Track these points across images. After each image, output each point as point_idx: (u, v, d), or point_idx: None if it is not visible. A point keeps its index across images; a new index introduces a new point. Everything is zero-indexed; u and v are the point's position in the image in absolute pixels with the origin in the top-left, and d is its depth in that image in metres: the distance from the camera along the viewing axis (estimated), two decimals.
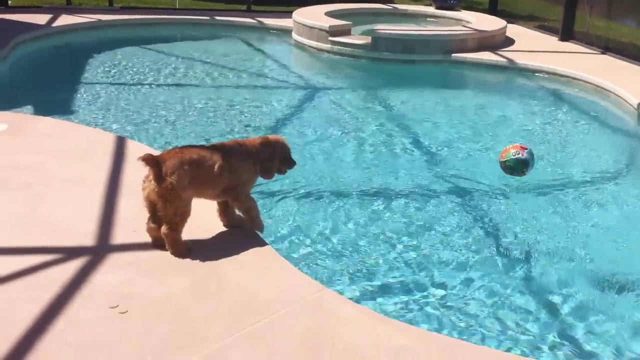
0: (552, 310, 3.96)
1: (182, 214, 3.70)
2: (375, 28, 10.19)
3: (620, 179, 5.98)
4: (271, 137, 4.10)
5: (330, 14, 11.10)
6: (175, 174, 3.62)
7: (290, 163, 4.13)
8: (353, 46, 9.97)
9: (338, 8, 11.78)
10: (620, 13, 16.89)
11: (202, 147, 3.92)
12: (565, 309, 3.97)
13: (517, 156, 4.62)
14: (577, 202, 5.46)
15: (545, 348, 3.60)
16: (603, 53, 10.15)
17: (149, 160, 3.61)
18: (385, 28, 10.40)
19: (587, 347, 3.62)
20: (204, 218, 4.06)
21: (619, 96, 7.95)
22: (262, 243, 3.97)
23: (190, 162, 3.69)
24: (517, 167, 4.65)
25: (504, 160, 4.70)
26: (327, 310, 3.37)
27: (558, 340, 3.68)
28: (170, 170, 3.62)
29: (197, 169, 3.71)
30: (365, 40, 9.97)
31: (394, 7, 13.06)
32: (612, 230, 4.97)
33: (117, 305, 3.28)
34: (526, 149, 4.66)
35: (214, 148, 3.90)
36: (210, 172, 3.76)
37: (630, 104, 7.61)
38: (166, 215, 3.66)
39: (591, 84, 8.58)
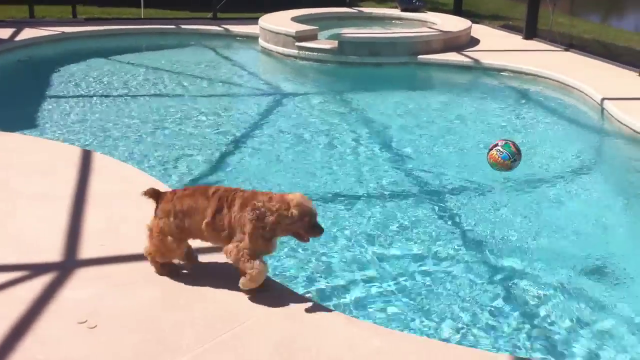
0: (524, 306, 3.99)
1: (163, 253, 3.58)
2: (341, 32, 10.23)
3: (585, 173, 6.09)
4: (291, 198, 3.40)
5: (296, 20, 11.11)
6: (162, 220, 3.52)
7: (316, 230, 3.45)
8: (320, 51, 9.99)
9: (304, 13, 11.80)
10: (583, 9, 17.16)
11: (205, 192, 3.53)
12: (537, 305, 4.01)
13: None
14: (543, 195, 5.55)
15: (519, 344, 3.63)
16: (567, 50, 10.30)
17: (149, 193, 3.58)
18: (352, 32, 10.45)
19: (561, 345, 3.66)
20: None
21: (583, 92, 8.08)
22: None
23: (180, 213, 3.48)
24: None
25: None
26: (300, 317, 3.37)
27: (532, 335, 3.71)
28: (160, 214, 3.54)
29: (184, 220, 3.49)
30: (332, 44, 10.00)
31: (359, 11, 13.13)
32: (579, 221, 5.07)
33: (86, 321, 3.25)
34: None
35: (217, 198, 3.47)
36: (198, 227, 3.47)
37: (594, 100, 7.73)
38: (150, 245, 3.61)
39: (555, 81, 8.70)
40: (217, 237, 3.49)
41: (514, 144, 5.36)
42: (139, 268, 3.70)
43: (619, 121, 7.00)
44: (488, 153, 5.40)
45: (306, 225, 3.38)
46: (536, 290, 4.14)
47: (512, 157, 5.30)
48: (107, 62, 9.87)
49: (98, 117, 7.25)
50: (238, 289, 3.48)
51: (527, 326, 3.80)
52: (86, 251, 3.88)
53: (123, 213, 4.33)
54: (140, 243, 3.71)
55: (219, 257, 3.79)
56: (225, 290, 3.53)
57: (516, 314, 3.91)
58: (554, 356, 3.54)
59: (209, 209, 3.45)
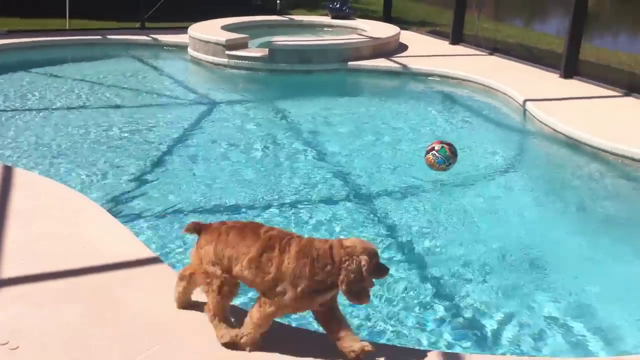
0: (451, 301, 4.08)
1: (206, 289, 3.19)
2: (271, 40, 10.24)
3: (509, 171, 6.30)
4: (350, 244, 2.97)
5: (226, 28, 11.06)
6: (203, 249, 3.18)
7: (382, 271, 3.03)
8: (250, 59, 9.97)
9: (234, 22, 11.75)
10: (507, 14, 17.70)
11: (256, 228, 3.16)
12: (464, 297, 4.11)
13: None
14: (471, 194, 5.70)
15: (447, 338, 3.71)
16: (491, 54, 10.58)
17: (190, 228, 3.28)
18: (282, 39, 10.48)
19: (489, 337, 3.76)
20: (95, 242, 3.95)
21: (507, 95, 8.31)
22: (158, 263, 3.91)
23: (223, 242, 3.13)
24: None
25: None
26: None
27: (458, 328, 3.80)
28: (202, 244, 3.20)
29: (225, 250, 3.12)
30: (262, 52, 10.00)
31: (290, 19, 13.18)
32: (506, 217, 5.28)
33: (7, 342, 3.14)
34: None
35: (269, 237, 3.09)
36: (238, 260, 3.10)
37: (517, 102, 7.97)
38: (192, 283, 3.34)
39: (481, 84, 8.92)
40: (255, 277, 3.05)
41: (449, 147, 5.58)
42: (61, 286, 3.61)
43: (540, 121, 7.24)
44: (425, 155, 5.63)
45: (373, 269, 2.95)
46: (465, 285, 4.25)
47: (447, 162, 5.57)
48: (31, 74, 9.59)
49: (20, 131, 7.04)
50: (165, 301, 3.44)
51: (453, 319, 3.90)
52: (6, 270, 3.76)
53: (44, 229, 4.21)
54: (62, 260, 3.62)
55: (144, 268, 3.74)
56: (152, 303, 3.48)
57: (443, 309, 4.00)
58: (481, 347, 3.63)
59: (257, 245, 3.06)
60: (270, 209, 5.34)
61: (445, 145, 5.57)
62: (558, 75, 8.98)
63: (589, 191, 6.02)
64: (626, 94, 8.09)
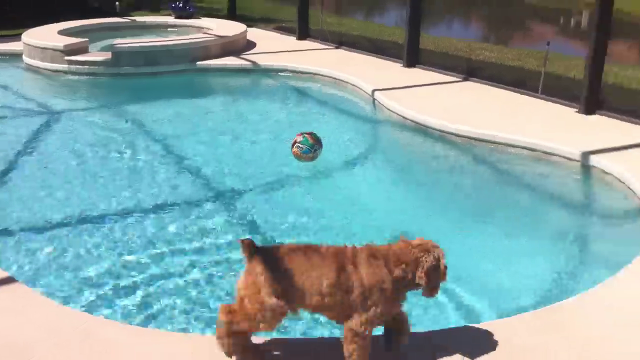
0: None
1: (253, 319, 2.89)
2: (114, 43, 9.85)
3: (362, 159, 6.45)
4: (421, 242, 2.98)
5: (64, 32, 10.49)
6: (262, 277, 2.87)
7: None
8: (92, 64, 9.52)
9: (72, 25, 11.17)
10: (348, 8, 18.17)
11: (316, 249, 2.95)
12: None
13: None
14: (330, 182, 5.81)
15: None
16: (337, 47, 10.82)
17: (246, 245, 2.92)
18: (125, 42, 10.11)
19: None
20: None
21: (356, 85, 8.53)
22: (14, 282, 3.65)
23: (289, 271, 2.88)
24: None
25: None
26: (97, 338, 3.22)
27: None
28: (260, 271, 2.88)
29: (293, 280, 2.87)
30: (105, 56, 9.58)
31: (132, 20, 12.75)
32: (364, 201, 5.46)
33: None
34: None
35: (334, 254, 2.92)
36: (314, 289, 2.87)
37: (366, 92, 8.20)
38: (241, 314, 2.92)
39: (331, 77, 9.09)
40: (339, 300, 2.86)
41: (310, 135, 5.74)
42: None
43: (388, 109, 7.50)
44: (291, 150, 5.76)
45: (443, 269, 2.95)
46: None
47: (312, 149, 5.72)
48: None
49: None
50: (27, 319, 3.21)
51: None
52: None
53: None
54: None
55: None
56: (13, 323, 3.24)
57: None
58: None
59: (331, 267, 2.87)
60: (130, 216, 5.14)
61: (306, 135, 5.71)
62: (401, 65, 9.33)
63: (438, 169, 6.36)
64: (465, 79, 8.56)
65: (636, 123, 6.53)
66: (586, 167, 5.69)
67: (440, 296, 3.98)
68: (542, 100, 7.44)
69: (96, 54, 9.82)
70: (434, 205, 5.50)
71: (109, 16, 12.88)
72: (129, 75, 9.47)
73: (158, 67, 9.62)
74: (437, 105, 7.27)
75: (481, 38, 13.38)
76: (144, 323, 3.77)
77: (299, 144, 5.67)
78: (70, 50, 9.59)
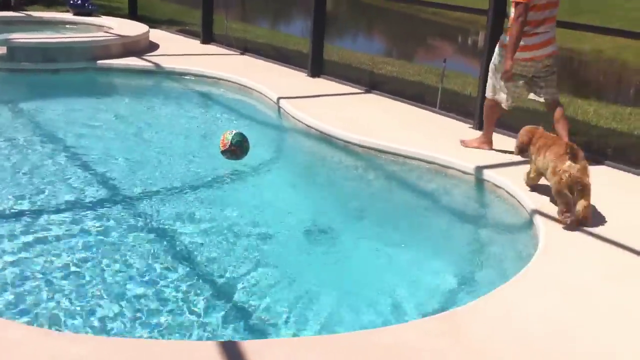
0: (232, 297, 4.17)
1: None
2: (9, 37, 9.45)
3: (270, 165, 6.53)
4: None
5: None
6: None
7: None
8: None
9: None
10: (254, 16, 18.23)
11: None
12: (241, 295, 4.20)
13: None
14: (235, 192, 5.80)
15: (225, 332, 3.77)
16: (242, 54, 10.84)
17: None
18: (22, 36, 9.72)
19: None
20: None
21: (261, 93, 8.59)
22: None
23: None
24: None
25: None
26: None
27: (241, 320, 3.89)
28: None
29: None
30: (0, 50, 9.18)
31: (28, 14, 12.26)
32: (267, 210, 5.48)
33: None
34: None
35: None
36: None
37: (271, 99, 8.28)
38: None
39: (235, 83, 9.10)
40: None
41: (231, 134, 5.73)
42: None
43: (293, 117, 7.60)
44: (224, 152, 5.69)
45: None
46: (234, 281, 4.35)
47: (237, 137, 5.69)
48: None
49: None
50: None
51: (229, 313, 4.00)
52: None
53: None
54: None
55: None
56: None
57: (227, 304, 4.08)
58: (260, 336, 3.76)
59: None
60: (21, 220, 4.99)
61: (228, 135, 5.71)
62: (306, 74, 9.47)
63: (340, 177, 6.56)
64: (367, 91, 8.80)
65: None
66: (479, 181, 6.00)
67: (334, 303, 4.13)
68: (440, 115, 7.76)
69: None
70: (331, 211, 5.66)
71: (2, 9, 12.33)
72: (27, 71, 9.12)
73: (57, 64, 9.31)
74: (341, 115, 7.45)
75: (384, 52, 13.79)
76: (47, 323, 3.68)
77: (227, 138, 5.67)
78: None
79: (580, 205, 4.81)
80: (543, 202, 5.25)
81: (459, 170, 6.18)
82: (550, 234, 4.77)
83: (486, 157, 6.28)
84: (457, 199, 5.97)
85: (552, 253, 4.50)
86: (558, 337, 3.54)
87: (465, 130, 7.13)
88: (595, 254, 4.54)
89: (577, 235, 4.78)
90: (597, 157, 6.41)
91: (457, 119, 7.58)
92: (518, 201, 5.50)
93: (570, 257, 4.48)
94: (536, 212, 5.12)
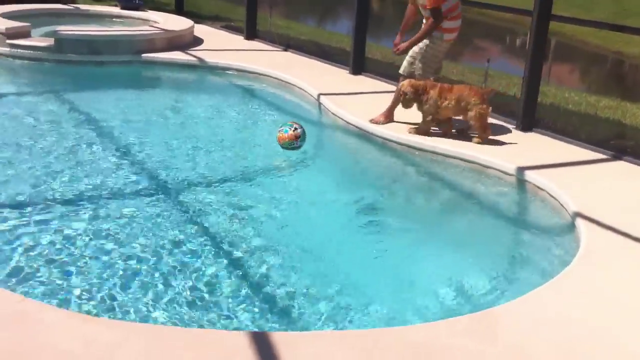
0: (262, 288, 4.15)
1: None
2: (58, 29, 9.64)
3: (308, 164, 6.49)
4: None
5: (5, 16, 10.22)
6: None
7: None
8: (35, 49, 9.30)
9: (14, 9, 10.89)
10: (299, 14, 18.27)
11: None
12: (279, 289, 4.20)
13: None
14: (273, 188, 5.80)
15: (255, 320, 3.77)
16: (285, 50, 10.85)
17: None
18: (70, 29, 9.90)
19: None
20: None
21: (302, 89, 8.58)
22: None
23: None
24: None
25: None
26: (32, 320, 3.21)
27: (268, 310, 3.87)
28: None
29: None
30: (48, 42, 9.37)
31: (76, 7, 12.48)
32: (307, 209, 5.46)
33: None
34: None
35: None
36: None
37: (312, 95, 8.27)
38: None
39: (277, 79, 9.12)
40: None
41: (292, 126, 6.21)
42: None
43: (333, 114, 7.58)
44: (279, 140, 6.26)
45: None
46: (271, 275, 4.35)
47: (293, 127, 6.20)
48: None
49: None
50: None
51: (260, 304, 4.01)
52: None
53: None
54: None
55: None
56: None
57: (251, 295, 4.09)
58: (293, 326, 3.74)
59: None
60: (73, 206, 5.07)
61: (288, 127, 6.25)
62: (348, 72, 9.43)
63: (378, 175, 6.51)
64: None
65: (570, 142, 6.78)
66: (521, 182, 5.89)
67: (370, 297, 4.09)
68: None
69: (39, 39, 9.60)
70: (372, 208, 5.62)
71: (53, 2, 12.58)
72: (73, 63, 9.28)
73: (102, 57, 9.46)
74: (380, 112, 7.38)
75: None
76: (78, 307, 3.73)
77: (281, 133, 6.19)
78: (12, 34, 9.34)
79: None
80: (586, 204, 5.13)
81: (500, 171, 6.08)
82: (592, 236, 4.66)
83: (527, 158, 6.17)
84: (497, 199, 5.86)
85: (593, 256, 4.39)
86: (595, 343, 3.44)
87: (509, 131, 7.02)
88: (636, 259, 4.41)
89: (619, 238, 4.66)
90: None
91: (500, 119, 7.46)
92: (560, 203, 5.39)
93: (612, 261, 4.36)
94: (578, 214, 5.00)
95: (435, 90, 6.48)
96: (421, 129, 6.70)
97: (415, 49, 6.97)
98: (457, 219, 5.53)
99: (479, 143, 6.49)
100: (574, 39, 15.54)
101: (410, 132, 6.73)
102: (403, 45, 7.03)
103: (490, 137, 6.60)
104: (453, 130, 6.72)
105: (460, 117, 6.64)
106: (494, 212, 5.69)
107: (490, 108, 6.55)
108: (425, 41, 6.92)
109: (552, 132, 7.08)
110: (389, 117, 7.13)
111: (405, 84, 6.60)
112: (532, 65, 7.04)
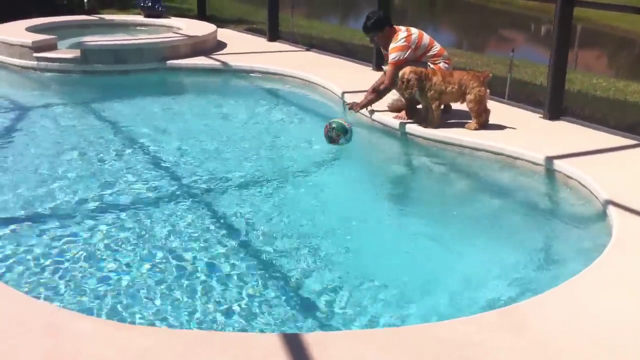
0: (289, 289, 4.18)
1: None
2: (83, 40, 9.78)
3: (333, 163, 6.51)
4: None
5: (32, 29, 10.40)
6: None
7: None
8: (61, 61, 9.45)
9: (40, 22, 11.07)
10: (321, 12, 18.28)
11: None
12: (300, 285, 4.22)
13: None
14: (298, 189, 5.83)
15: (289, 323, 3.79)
16: (308, 50, 10.87)
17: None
18: (94, 39, 10.04)
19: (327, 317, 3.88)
20: None
21: (326, 88, 8.59)
22: None
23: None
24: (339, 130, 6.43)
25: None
26: (64, 329, 3.26)
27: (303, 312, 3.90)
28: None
29: None
30: (74, 53, 9.52)
31: (100, 18, 12.66)
32: (331, 210, 5.44)
33: None
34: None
35: None
36: None
37: (336, 94, 8.27)
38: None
39: (300, 79, 9.14)
40: None
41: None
42: None
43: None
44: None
45: None
46: (298, 274, 4.36)
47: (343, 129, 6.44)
48: None
49: None
50: None
51: (292, 305, 4.01)
52: None
53: None
54: None
55: None
56: None
57: (283, 297, 4.10)
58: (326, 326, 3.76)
59: None
60: (99, 214, 5.15)
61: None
62: (371, 68, 9.41)
63: (405, 170, 6.56)
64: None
65: (598, 129, 6.69)
66: (550, 172, 5.82)
67: (395, 295, 4.08)
68: (508, 106, 7.57)
69: (65, 51, 9.75)
70: (402, 204, 5.64)
71: (77, 14, 12.77)
72: (99, 73, 9.41)
73: (127, 65, 9.57)
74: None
75: (453, 44, 13.54)
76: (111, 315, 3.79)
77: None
78: (38, 47, 9.50)
79: None
80: (617, 192, 5.05)
81: (529, 161, 6.01)
82: (624, 224, 4.59)
83: (556, 147, 6.09)
84: (526, 190, 5.80)
85: (625, 246, 4.32)
86: (627, 336, 3.39)
87: (536, 120, 6.94)
88: None
89: None
90: None
91: (527, 109, 7.39)
92: (591, 192, 5.31)
93: None
94: (609, 202, 4.93)
95: (438, 76, 6.51)
96: (433, 121, 6.68)
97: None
98: (488, 213, 5.47)
99: (475, 129, 6.53)
100: (601, 24, 15.28)
101: (423, 127, 6.74)
102: (360, 102, 7.25)
103: (516, 127, 6.55)
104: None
105: (459, 103, 6.71)
106: (524, 204, 5.62)
107: (488, 91, 6.62)
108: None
109: (581, 119, 6.98)
110: (410, 116, 7.07)
111: (406, 70, 6.54)
112: (558, 52, 6.95)
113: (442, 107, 6.69)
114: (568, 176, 5.65)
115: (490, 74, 6.73)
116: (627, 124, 6.90)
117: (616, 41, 14.69)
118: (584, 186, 5.44)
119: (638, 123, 7.06)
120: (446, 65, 6.96)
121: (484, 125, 6.56)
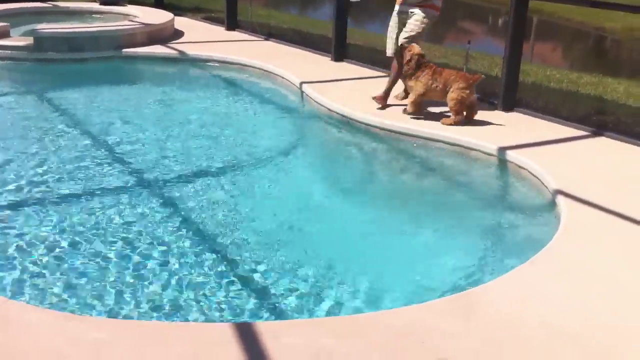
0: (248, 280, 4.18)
1: None
2: (36, 27, 9.58)
3: (290, 152, 6.52)
4: None
5: None
6: None
7: None
8: (14, 48, 9.25)
9: None
10: (279, 3, 18.20)
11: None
12: (260, 277, 4.22)
13: None
14: (251, 178, 5.83)
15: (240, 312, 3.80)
16: (267, 39, 10.83)
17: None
18: (49, 27, 9.85)
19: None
20: None
21: (284, 78, 8.58)
22: None
23: None
24: None
25: None
26: (15, 321, 3.23)
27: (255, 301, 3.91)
28: None
29: None
30: (27, 41, 9.32)
31: (54, 5, 12.41)
32: (287, 200, 5.45)
33: None
34: None
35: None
36: None
37: (294, 84, 8.27)
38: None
39: (259, 69, 9.11)
40: None
41: None
42: None
43: (316, 102, 7.58)
44: None
45: None
46: (252, 265, 4.37)
47: None
48: None
49: None
50: None
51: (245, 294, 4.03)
52: None
53: None
54: None
55: None
56: None
57: (236, 286, 4.11)
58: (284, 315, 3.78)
59: None
60: (50, 204, 5.07)
61: None
62: (330, 59, 9.43)
63: (360, 160, 6.56)
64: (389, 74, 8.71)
65: (551, 120, 6.83)
66: (502, 162, 5.93)
67: (349, 284, 4.12)
68: None
69: (18, 39, 9.54)
70: (354, 194, 5.68)
71: (31, 1, 12.50)
72: (54, 61, 9.23)
73: (82, 54, 9.42)
74: (362, 98, 7.40)
75: None
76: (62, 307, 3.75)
77: None
78: None
79: None
80: (567, 182, 5.17)
81: (483, 152, 6.11)
82: (573, 214, 4.70)
83: (509, 138, 6.20)
84: (478, 180, 5.91)
85: (573, 234, 4.43)
86: (576, 320, 3.48)
87: (491, 112, 7.06)
88: (617, 235, 4.45)
89: (600, 215, 4.71)
90: (626, 136, 6.30)
91: (481, 100, 7.49)
92: (542, 182, 5.43)
93: (592, 238, 4.40)
94: (559, 191, 5.05)
95: (430, 70, 6.61)
96: (408, 108, 6.86)
97: (413, 26, 6.98)
98: (439, 202, 5.56)
99: (450, 125, 6.54)
100: (557, 17, 15.55)
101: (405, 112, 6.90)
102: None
103: (474, 118, 6.65)
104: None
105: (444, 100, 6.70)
106: (476, 193, 5.74)
107: (475, 95, 6.64)
108: (422, 17, 6.97)
109: (534, 110, 7.12)
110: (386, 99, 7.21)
111: (415, 49, 6.68)
112: (512, 44, 7.06)
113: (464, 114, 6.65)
114: (520, 166, 5.77)
115: (483, 76, 6.72)
116: (579, 115, 7.07)
117: (571, 33, 14.99)
118: (534, 176, 5.55)
119: (590, 114, 7.22)
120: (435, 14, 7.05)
121: (459, 123, 6.55)
